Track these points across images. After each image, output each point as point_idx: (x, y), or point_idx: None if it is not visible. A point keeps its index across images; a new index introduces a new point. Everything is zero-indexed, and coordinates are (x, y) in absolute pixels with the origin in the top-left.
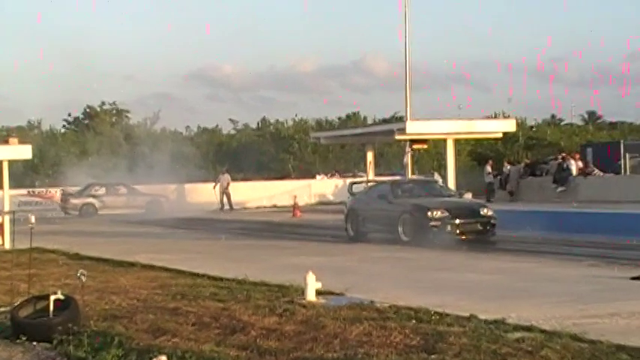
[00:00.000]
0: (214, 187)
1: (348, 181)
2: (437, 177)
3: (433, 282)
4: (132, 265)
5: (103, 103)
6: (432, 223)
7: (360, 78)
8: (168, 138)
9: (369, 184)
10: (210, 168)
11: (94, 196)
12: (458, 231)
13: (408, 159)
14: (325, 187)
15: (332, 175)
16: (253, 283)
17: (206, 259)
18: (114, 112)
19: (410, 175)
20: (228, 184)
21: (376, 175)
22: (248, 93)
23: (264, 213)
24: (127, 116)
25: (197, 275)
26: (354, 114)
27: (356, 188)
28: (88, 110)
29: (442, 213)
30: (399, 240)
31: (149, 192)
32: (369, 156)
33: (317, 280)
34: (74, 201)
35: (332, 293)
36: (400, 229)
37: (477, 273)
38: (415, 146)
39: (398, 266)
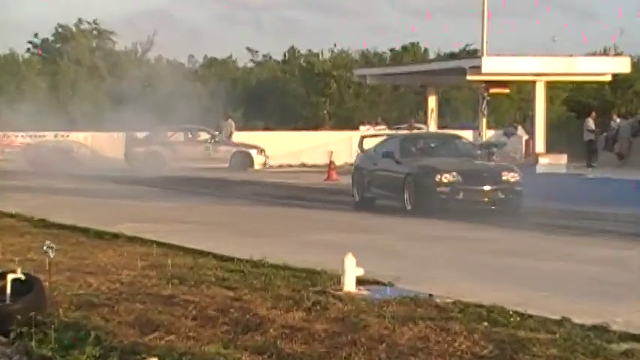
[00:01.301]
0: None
1: (361, 133)
2: (521, 132)
3: (509, 271)
4: (115, 236)
5: (80, 22)
6: (440, 189)
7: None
8: (166, 70)
9: (383, 137)
10: (220, 111)
11: (163, 144)
12: (472, 199)
13: (483, 107)
14: (371, 141)
15: (378, 125)
16: (274, 265)
17: (212, 232)
18: (94, 33)
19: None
20: (231, 133)
21: (440, 127)
22: (271, 13)
23: (290, 174)
24: (111, 40)
25: (200, 253)
26: (412, 45)
27: (371, 143)
28: (60, 30)
29: (453, 177)
30: (404, 209)
31: (235, 142)
32: (431, 102)
33: (358, 264)
34: (138, 149)
35: (377, 283)
36: (406, 196)
37: (567, 261)
38: (493, 91)
39: (461, 249)
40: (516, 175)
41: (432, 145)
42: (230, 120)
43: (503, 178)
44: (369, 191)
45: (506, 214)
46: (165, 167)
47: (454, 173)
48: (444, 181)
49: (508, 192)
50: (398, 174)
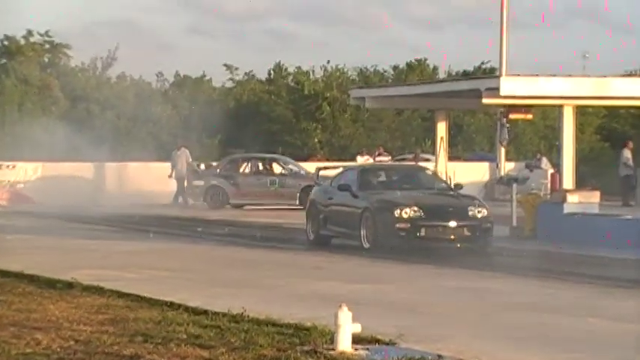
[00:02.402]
0: (171, 174)
1: (317, 165)
2: (546, 164)
3: (533, 328)
4: (69, 285)
5: (30, 33)
6: (400, 225)
7: (429, 6)
8: (130, 90)
9: (339, 169)
10: (193, 139)
11: (227, 177)
12: (435, 236)
13: (504, 135)
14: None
15: (379, 155)
16: (255, 320)
17: (183, 281)
18: (46, 47)
19: (502, 160)
20: (189, 164)
21: (451, 157)
22: (253, 24)
23: (274, 211)
24: (66, 54)
25: (169, 305)
26: (419, 62)
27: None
28: (5, 43)
29: (413, 212)
30: (362, 247)
31: (304, 174)
32: (441, 129)
33: (354, 319)
34: (197, 182)
35: (377, 341)
36: (363, 233)
37: (601, 317)
38: (513, 116)
39: (476, 301)
40: (484, 210)
41: (394, 178)
42: (184, 149)
43: (470, 213)
44: (324, 228)
45: (474, 253)
46: (225, 205)
47: (415, 208)
48: (404, 216)
49: (475, 229)
50: (355, 209)
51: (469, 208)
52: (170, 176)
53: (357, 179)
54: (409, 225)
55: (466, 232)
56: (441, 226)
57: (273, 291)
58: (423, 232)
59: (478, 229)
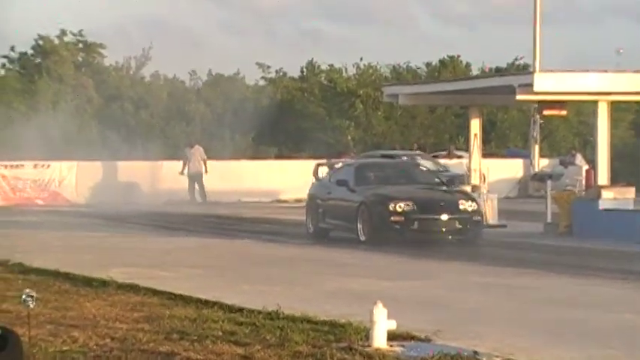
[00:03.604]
0: (182, 171)
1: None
2: (580, 160)
3: (570, 325)
4: (105, 283)
5: (64, 33)
6: (394, 219)
7: (462, 3)
8: (164, 89)
9: (338, 165)
10: (227, 136)
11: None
12: (428, 229)
13: (536, 132)
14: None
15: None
16: (290, 317)
17: (218, 279)
18: (80, 46)
19: (536, 156)
20: (204, 161)
21: (484, 154)
22: (286, 23)
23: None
24: (99, 54)
25: (204, 303)
26: (452, 59)
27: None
28: (40, 42)
29: (407, 206)
30: (358, 240)
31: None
32: (474, 126)
33: (389, 316)
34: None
35: (413, 337)
36: (359, 226)
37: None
38: (547, 112)
39: (512, 297)
40: (474, 204)
41: (389, 173)
42: (197, 146)
43: (461, 207)
44: (323, 222)
45: (465, 244)
46: None
47: (409, 202)
48: (398, 210)
49: (466, 222)
50: (352, 203)
51: (460, 201)
52: (181, 173)
53: (354, 175)
54: (403, 218)
55: (457, 225)
56: (433, 219)
57: (307, 288)
58: (416, 225)
59: (469, 221)
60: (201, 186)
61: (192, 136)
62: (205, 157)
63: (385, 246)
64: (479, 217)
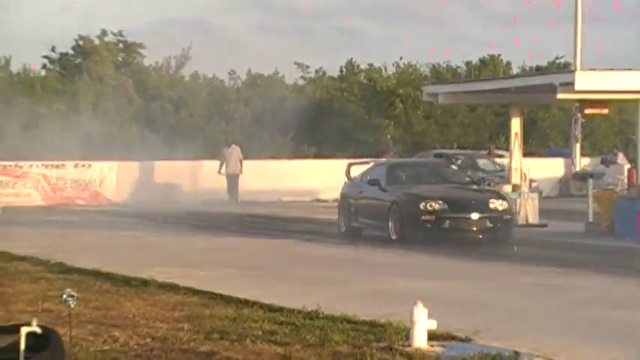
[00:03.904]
0: (219, 170)
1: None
2: (622, 159)
3: (611, 325)
4: (145, 283)
5: (104, 33)
6: (425, 218)
7: (502, 1)
8: (203, 89)
9: (370, 165)
10: (266, 135)
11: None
12: (459, 228)
13: (577, 131)
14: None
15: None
16: (330, 317)
17: (257, 278)
18: (120, 46)
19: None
20: (240, 161)
21: (525, 153)
22: (324, 21)
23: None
24: (139, 54)
25: (244, 303)
26: (492, 58)
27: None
28: (80, 43)
29: (438, 205)
30: (390, 239)
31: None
32: (515, 125)
33: (429, 315)
34: None
35: (453, 337)
36: (391, 225)
37: None
38: (588, 111)
39: (552, 297)
40: (505, 202)
41: (420, 173)
42: (234, 146)
43: (491, 206)
44: (355, 220)
45: (501, 243)
46: None
47: (440, 201)
48: (429, 209)
49: (496, 220)
50: (383, 202)
51: (490, 200)
52: (219, 172)
53: (386, 174)
54: (434, 217)
55: (488, 224)
56: (464, 218)
57: (346, 288)
58: (447, 224)
59: (499, 220)
60: (236, 186)
61: (229, 136)
62: (242, 156)
63: (417, 245)
64: (509, 216)
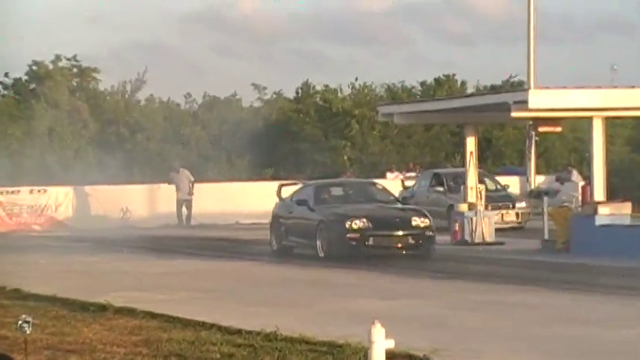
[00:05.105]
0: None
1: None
2: (576, 177)
3: (568, 342)
4: (102, 308)
5: (58, 58)
6: (350, 236)
7: (457, 21)
8: (159, 112)
9: (299, 186)
10: (223, 159)
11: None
12: (382, 245)
13: (531, 149)
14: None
15: (409, 171)
16: (289, 338)
17: (215, 301)
18: (74, 71)
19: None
20: (192, 184)
21: (481, 172)
22: (280, 44)
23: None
24: (94, 78)
25: (202, 325)
26: (447, 78)
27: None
28: (34, 68)
29: (362, 223)
30: (317, 256)
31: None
32: (470, 144)
33: (387, 335)
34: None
35: (411, 357)
36: (318, 243)
37: (639, 329)
38: (542, 129)
39: (510, 315)
40: (427, 220)
41: (346, 192)
42: (183, 170)
43: (414, 223)
44: (286, 239)
45: (418, 258)
46: None
47: (364, 219)
48: (354, 227)
49: (419, 237)
50: (311, 221)
51: (413, 218)
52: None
53: (313, 194)
54: (359, 235)
55: (410, 241)
56: (387, 236)
57: (305, 309)
58: (371, 241)
59: (421, 237)
60: (190, 210)
61: (175, 162)
62: (193, 179)
63: (344, 262)
64: (431, 233)
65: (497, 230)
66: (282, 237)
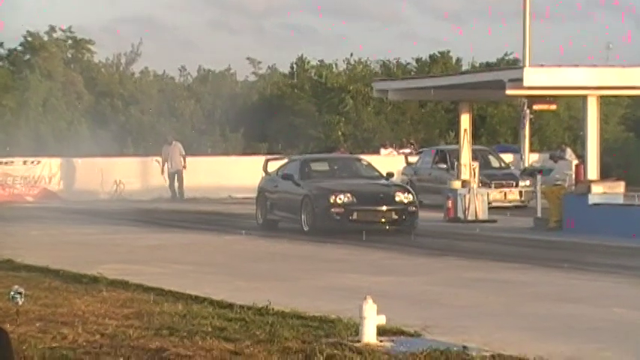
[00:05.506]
0: (162, 170)
1: (267, 157)
2: (570, 155)
3: (559, 319)
4: (94, 280)
5: (53, 29)
6: (334, 210)
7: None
8: (154, 85)
9: (285, 161)
10: (217, 133)
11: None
12: (366, 219)
13: (525, 127)
14: (394, 165)
15: (404, 148)
16: (280, 313)
17: (208, 275)
18: (69, 43)
19: (526, 151)
20: (183, 157)
21: (474, 150)
22: (275, 19)
23: None
24: (89, 50)
25: (194, 299)
26: (442, 54)
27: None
28: (29, 39)
29: (347, 198)
30: (302, 230)
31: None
32: (464, 121)
33: (379, 311)
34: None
35: (402, 333)
36: (303, 217)
37: (630, 308)
38: (537, 107)
39: (500, 292)
40: (410, 195)
41: (332, 168)
42: (175, 142)
43: (397, 199)
44: (271, 213)
45: (401, 233)
46: None
47: (348, 194)
48: (338, 202)
49: (402, 212)
50: (296, 196)
51: (397, 193)
52: (162, 172)
53: (299, 169)
54: (343, 210)
55: (394, 216)
56: (371, 210)
57: (297, 284)
58: (355, 216)
59: (405, 212)
60: (181, 183)
61: (169, 134)
62: (184, 152)
63: (330, 236)
64: (414, 208)
65: (500, 209)
66: (267, 211)
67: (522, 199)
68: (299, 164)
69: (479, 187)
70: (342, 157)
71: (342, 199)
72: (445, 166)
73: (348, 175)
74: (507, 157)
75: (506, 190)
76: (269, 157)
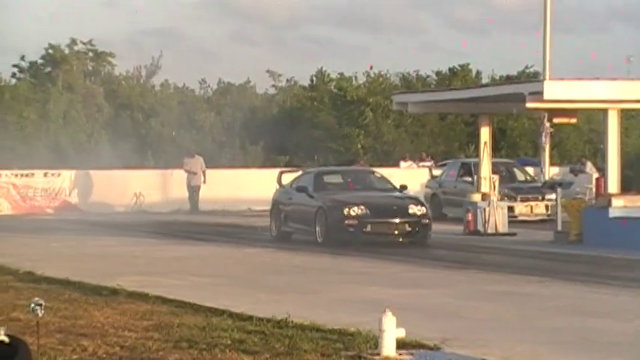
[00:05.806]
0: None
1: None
2: (590, 168)
3: (579, 333)
4: (114, 292)
5: (74, 42)
6: (348, 222)
7: (471, 10)
8: (174, 97)
9: (299, 173)
10: (236, 145)
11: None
12: (379, 231)
13: (545, 140)
14: (414, 178)
15: (424, 161)
16: (299, 326)
17: (228, 287)
18: (90, 55)
19: (546, 164)
20: (204, 172)
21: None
22: (295, 31)
23: None
24: (109, 63)
25: (213, 311)
26: (462, 67)
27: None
28: (50, 51)
29: (360, 210)
30: (316, 242)
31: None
32: (484, 134)
33: (398, 324)
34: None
35: (422, 346)
36: (317, 229)
37: None
38: (557, 120)
39: (520, 306)
40: (423, 208)
41: (345, 180)
42: (197, 156)
43: (410, 211)
44: (285, 225)
45: (414, 245)
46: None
47: (362, 206)
48: (352, 214)
49: (415, 225)
50: (310, 208)
51: (410, 206)
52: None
53: (313, 182)
54: (356, 222)
55: (407, 228)
56: (385, 223)
57: (317, 296)
58: (368, 228)
59: (418, 224)
60: (198, 196)
61: (192, 146)
62: (205, 167)
63: (342, 248)
64: (427, 220)
65: (525, 223)
66: (281, 223)
67: (549, 212)
68: (313, 177)
69: (501, 200)
70: (355, 170)
71: (355, 211)
72: (470, 179)
73: (362, 188)
74: (528, 171)
75: (533, 203)
76: (283, 169)
